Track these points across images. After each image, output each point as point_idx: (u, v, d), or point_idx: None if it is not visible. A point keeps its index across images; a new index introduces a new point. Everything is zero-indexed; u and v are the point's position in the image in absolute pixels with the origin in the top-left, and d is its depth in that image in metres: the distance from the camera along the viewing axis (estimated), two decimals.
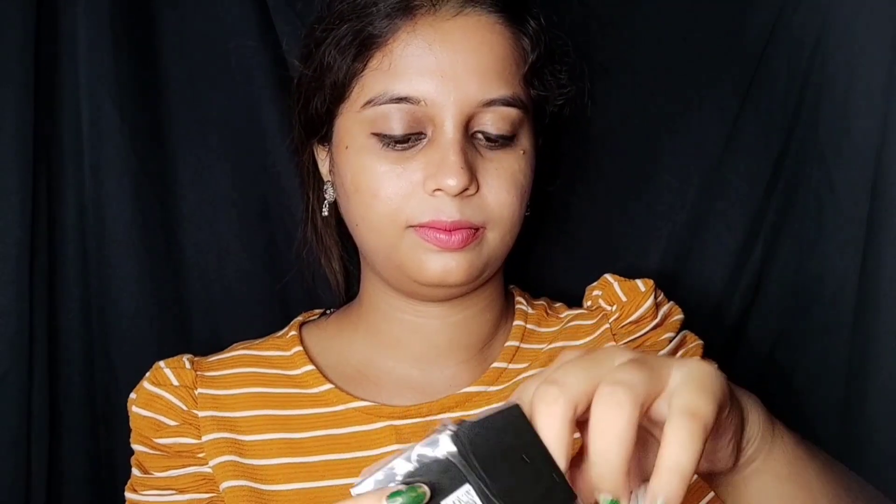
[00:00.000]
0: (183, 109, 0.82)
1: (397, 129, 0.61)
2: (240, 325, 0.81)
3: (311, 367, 0.68)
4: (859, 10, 0.73)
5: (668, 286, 0.76)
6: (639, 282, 0.73)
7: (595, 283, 0.76)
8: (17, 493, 0.73)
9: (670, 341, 0.71)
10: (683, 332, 0.73)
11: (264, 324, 0.77)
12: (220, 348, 0.73)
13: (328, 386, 0.67)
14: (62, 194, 0.78)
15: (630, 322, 0.71)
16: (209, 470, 0.63)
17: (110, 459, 0.79)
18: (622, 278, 0.74)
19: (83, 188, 0.79)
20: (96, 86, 0.78)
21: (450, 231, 0.60)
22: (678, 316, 0.74)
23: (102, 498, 0.80)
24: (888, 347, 0.67)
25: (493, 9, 0.63)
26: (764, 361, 0.86)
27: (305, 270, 0.80)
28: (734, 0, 0.82)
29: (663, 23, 0.83)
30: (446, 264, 0.61)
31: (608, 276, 0.75)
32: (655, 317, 0.72)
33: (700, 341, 0.73)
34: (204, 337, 0.82)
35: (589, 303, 0.76)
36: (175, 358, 0.69)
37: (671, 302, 0.74)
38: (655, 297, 0.72)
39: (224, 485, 0.62)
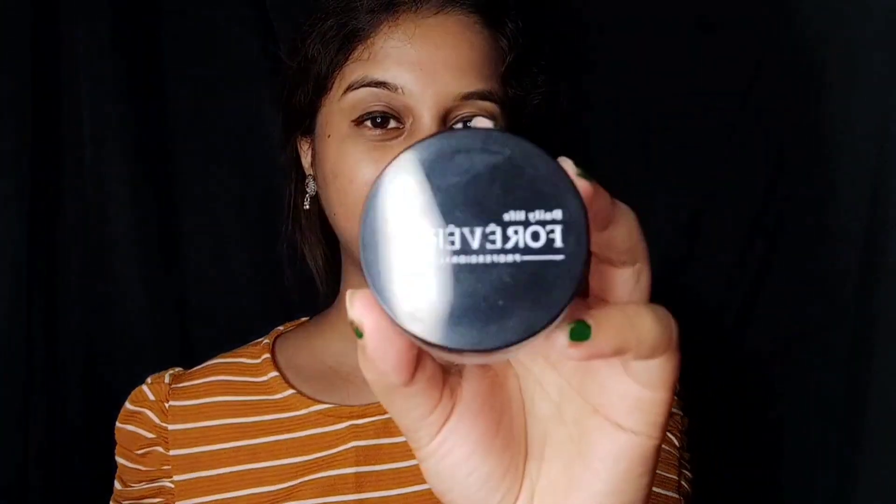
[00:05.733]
0: (183, 112, 0.82)
1: (376, 111, 0.62)
2: (240, 328, 0.80)
3: (275, 373, 0.69)
4: (860, 9, 0.73)
5: (667, 286, 0.76)
6: None
7: None
8: (17, 497, 0.73)
9: None
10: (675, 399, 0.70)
11: (264, 327, 0.77)
12: (220, 351, 0.74)
13: (290, 391, 0.68)
14: (62, 197, 0.78)
15: None
16: (171, 485, 0.66)
17: (109, 462, 0.79)
18: None
19: (83, 191, 0.79)
20: (96, 89, 0.78)
21: None
22: None
23: (100, 501, 0.80)
24: (888, 347, 0.67)
25: (472, 9, 0.64)
26: (764, 362, 0.86)
27: (302, 273, 0.80)
28: (735, 0, 0.82)
29: (664, 23, 0.83)
30: None
31: None
32: None
33: (685, 418, 0.70)
34: (204, 340, 0.82)
35: None
36: (161, 372, 0.72)
37: None
38: None
39: (185, 502, 0.65)
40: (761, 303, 0.85)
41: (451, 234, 0.25)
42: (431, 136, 0.26)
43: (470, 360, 0.29)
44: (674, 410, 0.69)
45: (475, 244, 0.25)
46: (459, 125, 0.63)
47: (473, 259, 0.25)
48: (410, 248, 0.25)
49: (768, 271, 0.85)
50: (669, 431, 0.68)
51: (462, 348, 0.25)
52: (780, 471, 0.83)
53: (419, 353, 0.28)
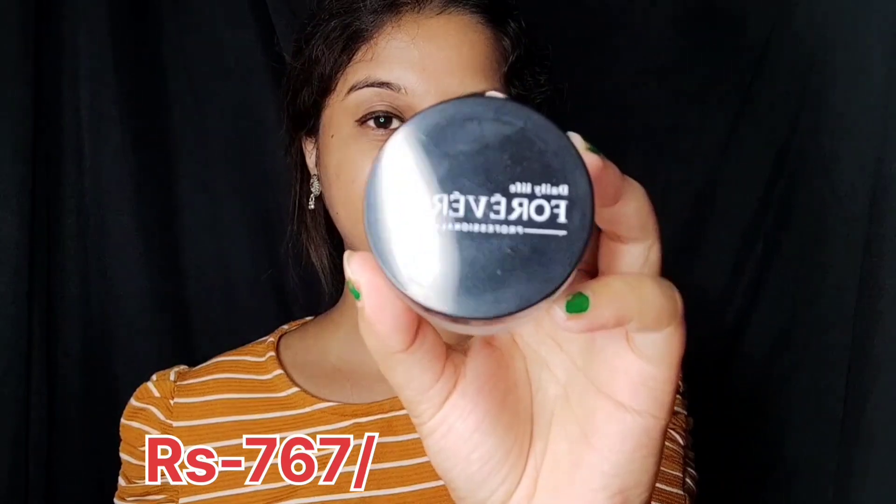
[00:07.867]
0: (183, 112, 0.82)
1: (379, 111, 0.62)
2: (240, 327, 0.81)
3: (279, 371, 0.70)
4: (860, 9, 0.73)
5: None
6: None
7: None
8: (16, 497, 0.73)
9: None
10: (679, 398, 0.70)
11: (265, 327, 0.77)
12: (220, 351, 0.74)
13: (294, 389, 0.68)
14: (62, 197, 0.78)
15: None
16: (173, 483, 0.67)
17: (109, 461, 0.79)
18: None
19: (83, 191, 0.79)
20: (96, 89, 0.78)
21: None
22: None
23: (100, 500, 0.80)
24: (888, 347, 0.67)
25: (475, 9, 0.64)
26: (764, 361, 0.86)
27: (306, 273, 0.80)
28: (735, 0, 0.82)
29: (664, 22, 0.84)
30: None
31: None
32: None
33: (689, 417, 0.70)
34: (204, 339, 0.83)
35: None
36: (166, 370, 0.72)
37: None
38: None
39: (186, 499, 0.65)
40: (761, 302, 0.86)
41: (456, 200, 0.25)
42: (444, 101, 0.25)
43: (468, 329, 0.28)
44: (678, 409, 0.69)
45: (479, 213, 0.25)
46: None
47: (476, 227, 0.25)
48: (413, 211, 0.25)
49: (768, 271, 0.85)
50: (674, 430, 0.68)
51: (457, 315, 0.25)
52: (780, 470, 0.83)
53: (419, 321, 0.28)
